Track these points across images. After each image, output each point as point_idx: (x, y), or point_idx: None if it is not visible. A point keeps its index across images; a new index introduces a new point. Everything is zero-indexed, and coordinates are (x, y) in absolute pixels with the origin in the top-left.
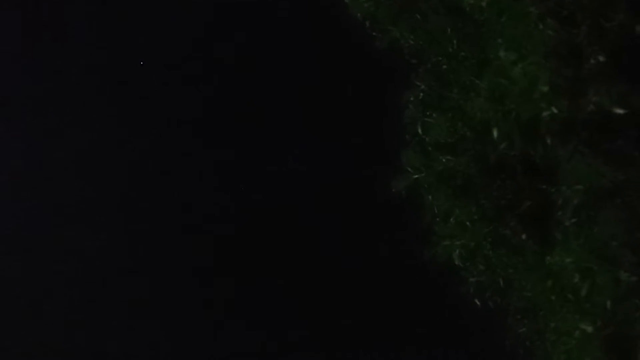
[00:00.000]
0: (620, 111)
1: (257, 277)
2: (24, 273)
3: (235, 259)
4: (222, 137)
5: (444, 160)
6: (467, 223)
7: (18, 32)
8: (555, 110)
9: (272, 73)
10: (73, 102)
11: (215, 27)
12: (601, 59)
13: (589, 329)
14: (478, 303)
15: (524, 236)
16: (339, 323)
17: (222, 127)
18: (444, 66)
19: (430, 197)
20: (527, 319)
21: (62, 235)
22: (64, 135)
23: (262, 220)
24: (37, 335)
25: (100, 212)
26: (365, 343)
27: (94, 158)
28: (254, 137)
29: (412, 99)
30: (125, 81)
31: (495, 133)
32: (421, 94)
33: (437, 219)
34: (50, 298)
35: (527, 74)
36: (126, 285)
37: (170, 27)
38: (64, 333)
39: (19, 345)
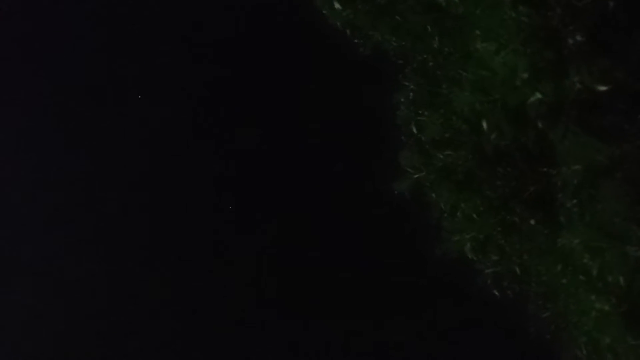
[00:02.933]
0: (603, 88)
1: (268, 279)
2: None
3: (248, 260)
4: (222, 146)
5: (442, 156)
6: (474, 215)
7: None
8: (539, 95)
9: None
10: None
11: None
12: (579, 38)
13: (606, 307)
14: (497, 293)
15: (532, 221)
16: (365, 322)
17: (222, 134)
18: (430, 63)
19: (434, 194)
20: (548, 304)
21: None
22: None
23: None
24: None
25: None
26: (391, 337)
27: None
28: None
29: (402, 99)
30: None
31: (484, 124)
32: (411, 94)
33: (445, 215)
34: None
35: (507, 63)
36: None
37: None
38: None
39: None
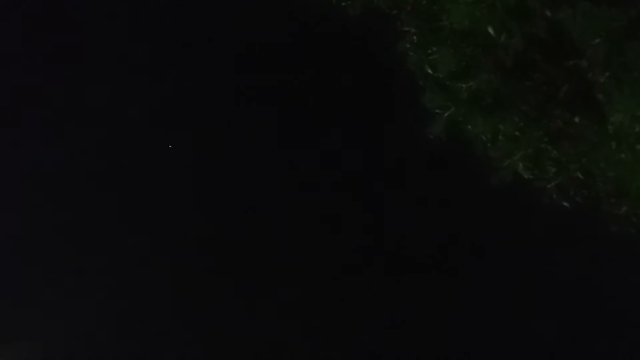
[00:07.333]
0: None
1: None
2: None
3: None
4: (257, 119)
5: (465, 86)
6: (517, 134)
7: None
8: None
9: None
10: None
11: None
12: None
13: None
14: (567, 204)
15: (577, 119)
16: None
17: (258, 109)
18: (423, 2)
19: (469, 127)
20: (622, 198)
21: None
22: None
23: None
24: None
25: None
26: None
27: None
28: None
29: (408, 45)
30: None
31: (491, 30)
32: (415, 37)
33: (488, 144)
34: None
35: None
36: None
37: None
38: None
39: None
